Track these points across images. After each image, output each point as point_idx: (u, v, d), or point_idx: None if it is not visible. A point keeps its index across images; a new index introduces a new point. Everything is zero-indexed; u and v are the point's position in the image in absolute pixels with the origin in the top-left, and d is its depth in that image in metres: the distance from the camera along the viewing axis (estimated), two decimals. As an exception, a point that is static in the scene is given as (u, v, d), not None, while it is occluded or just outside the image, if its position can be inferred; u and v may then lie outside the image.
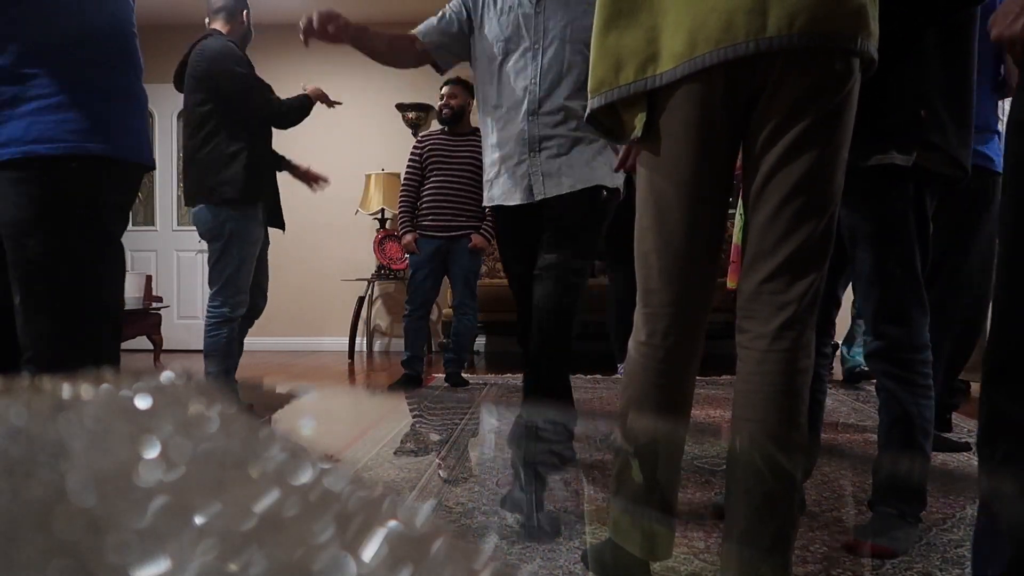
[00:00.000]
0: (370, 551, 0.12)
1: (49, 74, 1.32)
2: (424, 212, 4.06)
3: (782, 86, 1.16)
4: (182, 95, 3.03)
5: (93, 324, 1.38)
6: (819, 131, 1.17)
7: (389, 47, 2.21)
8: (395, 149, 6.05)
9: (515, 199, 2.22)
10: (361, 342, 6.17)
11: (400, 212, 4.16)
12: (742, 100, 1.19)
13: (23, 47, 1.31)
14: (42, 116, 1.31)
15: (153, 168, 1.51)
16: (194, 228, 3.03)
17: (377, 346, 6.39)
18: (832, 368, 4.57)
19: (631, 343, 1.34)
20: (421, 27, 2.28)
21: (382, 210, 5.73)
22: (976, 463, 1.24)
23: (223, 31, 3.05)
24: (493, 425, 3.02)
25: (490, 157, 2.27)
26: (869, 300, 1.68)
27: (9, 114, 1.31)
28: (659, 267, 1.27)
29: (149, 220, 6.47)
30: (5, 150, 1.31)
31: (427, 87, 5.39)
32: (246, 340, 3.15)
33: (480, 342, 6.02)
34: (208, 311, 3.00)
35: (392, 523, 0.13)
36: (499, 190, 2.25)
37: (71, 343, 1.35)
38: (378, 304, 6.40)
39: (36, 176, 1.31)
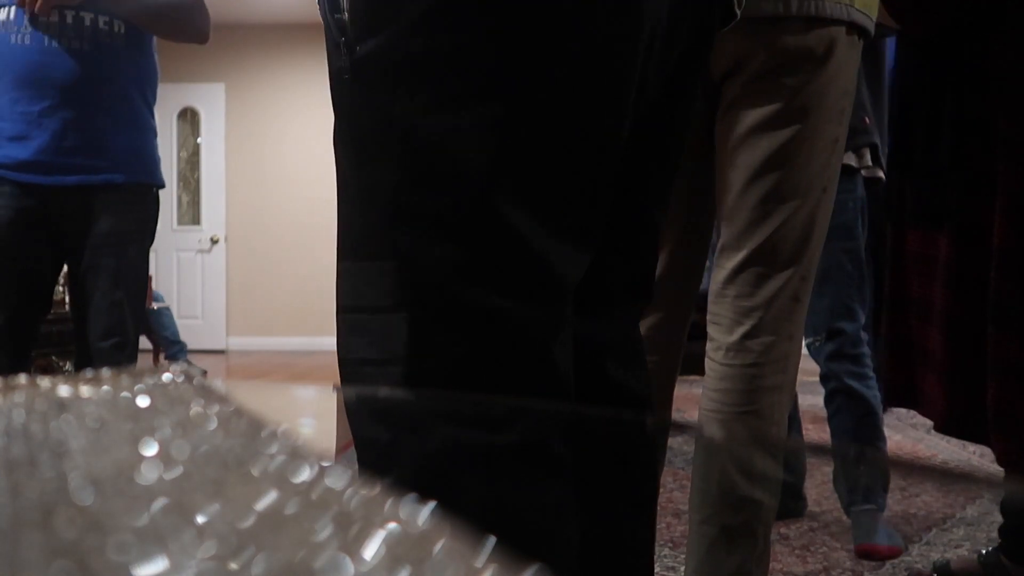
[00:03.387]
0: (370, 551, 0.12)
1: (151, 116, 1.73)
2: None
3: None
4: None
5: (143, 313, 1.82)
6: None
7: None
8: (395, 149, 6.04)
9: None
10: (361, 342, 6.15)
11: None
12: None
13: (151, 97, 1.72)
14: (152, 152, 1.72)
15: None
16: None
17: (377, 346, 6.37)
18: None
19: None
20: None
21: (382, 210, 5.71)
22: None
23: None
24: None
25: None
26: (824, 296, 1.70)
27: (141, 143, 1.69)
28: None
29: (149, 220, 6.47)
30: (132, 175, 1.67)
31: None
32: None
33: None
34: None
35: (392, 523, 0.13)
36: None
37: (139, 329, 1.73)
38: (378, 304, 6.38)
39: (141, 199, 1.70)
